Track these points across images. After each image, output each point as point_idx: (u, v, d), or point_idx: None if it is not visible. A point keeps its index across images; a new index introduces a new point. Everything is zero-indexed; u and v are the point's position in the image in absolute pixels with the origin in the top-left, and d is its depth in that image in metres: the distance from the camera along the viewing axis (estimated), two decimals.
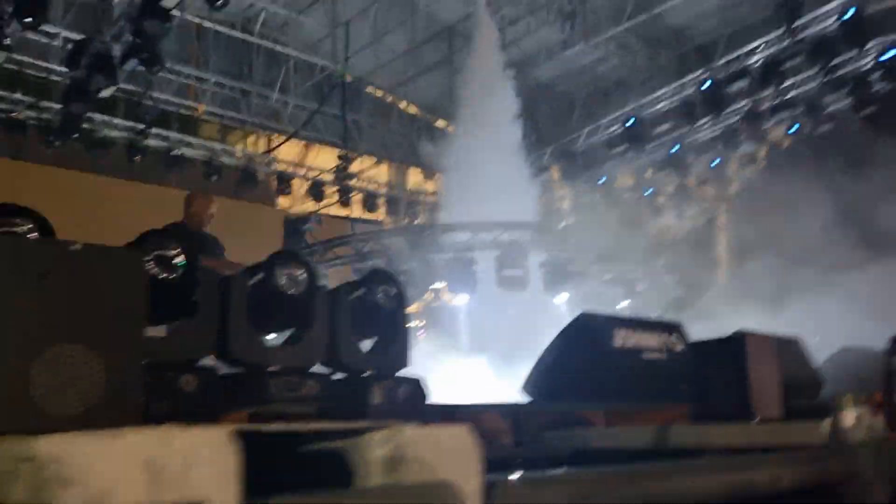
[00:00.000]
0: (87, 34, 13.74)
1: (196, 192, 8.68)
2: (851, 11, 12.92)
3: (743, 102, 15.47)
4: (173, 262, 3.72)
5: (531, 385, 5.05)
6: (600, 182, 17.80)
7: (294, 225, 14.07)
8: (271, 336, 4.38)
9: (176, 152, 16.72)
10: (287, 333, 4.43)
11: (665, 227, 19.37)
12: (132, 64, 12.93)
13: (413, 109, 20.82)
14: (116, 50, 13.03)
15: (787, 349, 5.99)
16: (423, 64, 19.09)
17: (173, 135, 16.82)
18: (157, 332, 4.09)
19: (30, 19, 11.48)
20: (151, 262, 3.65)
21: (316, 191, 18.58)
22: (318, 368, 4.48)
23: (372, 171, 20.57)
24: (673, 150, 16.68)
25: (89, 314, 2.18)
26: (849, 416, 1.99)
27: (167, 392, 3.53)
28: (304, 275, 4.22)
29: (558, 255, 12.20)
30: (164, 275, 3.68)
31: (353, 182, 19.33)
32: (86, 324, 2.17)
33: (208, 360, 4.09)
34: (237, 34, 17.47)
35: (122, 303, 2.31)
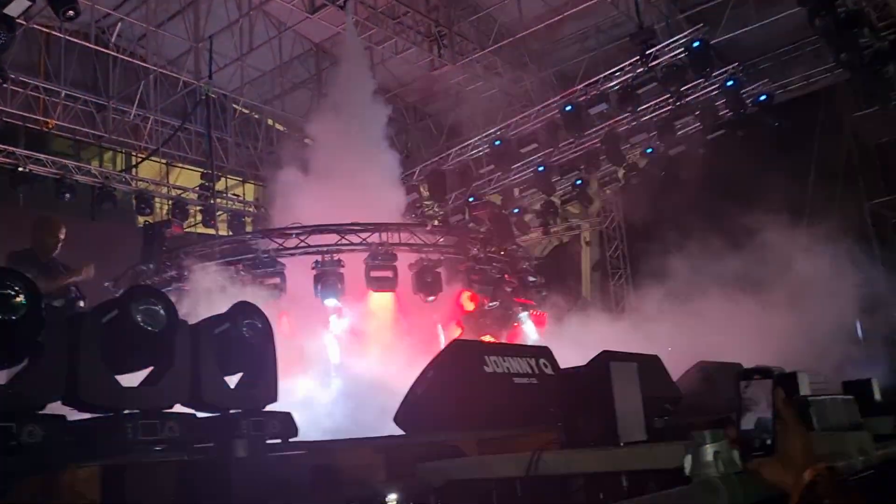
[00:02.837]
0: None
1: (43, 216, 8.14)
2: (697, 43, 13.77)
3: (603, 125, 16.17)
4: (13, 301, 3.44)
5: (403, 416, 5.01)
6: (471, 200, 18.07)
7: (153, 229, 13.39)
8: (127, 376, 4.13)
9: (23, 169, 15.57)
10: (146, 373, 4.19)
11: (533, 243, 19.96)
12: None
13: (280, 127, 20.44)
14: None
15: (648, 367, 6.28)
16: (290, 81, 18.82)
17: (20, 150, 15.66)
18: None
19: None
20: None
21: (179, 211, 17.80)
22: (181, 408, 4.27)
23: (238, 190, 20.01)
24: (539, 170, 17.18)
25: None
26: (708, 452, 2.06)
27: (8, 446, 3.23)
28: (163, 309, 4.01)
29: (428, 256, 12.30)
30: (3, 316, 3.39)
31: (218, 201, 18.69)
32: None
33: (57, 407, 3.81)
34: (91, 45, 16.53)
35: None
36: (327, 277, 11.51)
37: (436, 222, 17.26)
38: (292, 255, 11.89)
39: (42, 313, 3.52)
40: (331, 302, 11.43)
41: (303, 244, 11.89)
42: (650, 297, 12.80)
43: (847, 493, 1.86)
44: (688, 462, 2.14)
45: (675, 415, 6.26)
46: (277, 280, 11.53)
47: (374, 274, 11.79)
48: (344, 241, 11.93)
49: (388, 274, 11.82)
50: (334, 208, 12.06)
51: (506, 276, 13.49)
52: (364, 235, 11.98)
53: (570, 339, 10.35)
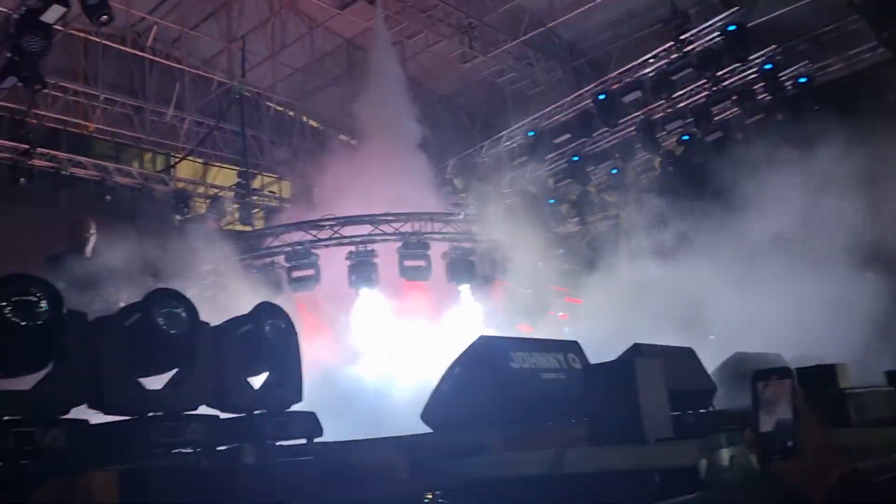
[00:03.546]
0: None
1: (76, 216, 8.33)
2: (733, 27, 13.47)
3: (637, 113, 15.92)
4: (35, 307, 3.48)
5: (430, 414, 4.98)
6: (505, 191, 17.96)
7: (188, 225, 13.68)
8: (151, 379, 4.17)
9: (65, 172, 15.89)
10: (169, 375, 4.23)
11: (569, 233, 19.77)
12: (10, 81, 12.22)
13: (314, 124, 20.54)
14: None
15: (680, 360, 6.16)
16: (323, 78, 18.88)
17: (62, 154, 15.99)
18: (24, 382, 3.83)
19: None
20: (10, 309, 3.41)
21: (216, 209, 18.01)
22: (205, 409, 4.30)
23: (274, 187, 20.16)
24: (573, 160, 17.01)
25: None
26: (723, 456, 1.98)
27: (31, 450, 3.28)
28: (185, 312, 4.04)
29: (461, 245, 12.30)
30: (25, 321, 3.44)
31: (254, 199, 18.87)
32: None
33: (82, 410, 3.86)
34: (127, 49, 16.79)
35: None
36: (361, 268, 11.60)
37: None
38: (326, 246, 11.99)
39: (64, 318, 3.57)
40: (365, 291, 11.52)
41: (336, 235, 11.98)
42: (688, 285, 12.55)
43: (873, 495, 1.78)
44: (703, 466, 2.06)
45: (710, 408, 6.13)
46: (312, 272, 11.65)
47: (407, 263, 11.85)
48: (377, 232, 12.00)
49: (422, 263, 11.87)
50: (368, 199, 12.14)
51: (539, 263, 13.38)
52: (397, 225, 12.04)
53: (606, 328, 10.21)
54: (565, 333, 12.27)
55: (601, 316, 12.50)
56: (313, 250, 11.94)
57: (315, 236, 12.13)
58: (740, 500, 1.96)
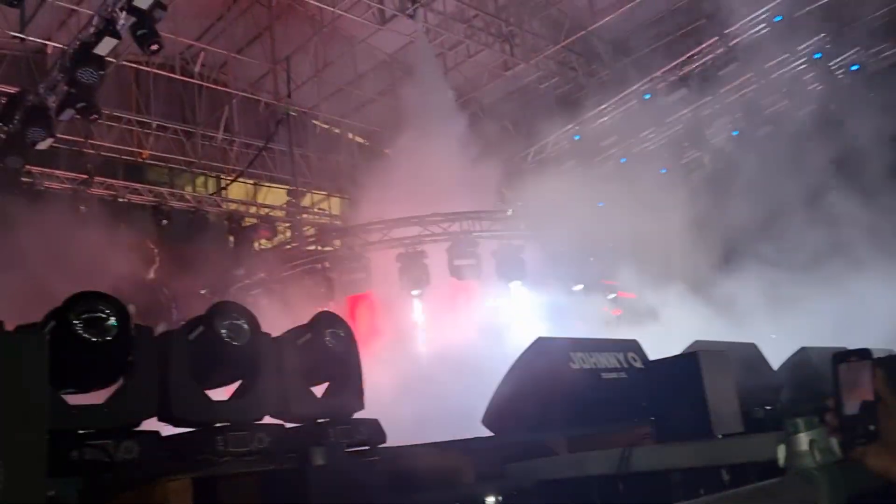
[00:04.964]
0: (20, 87, 13.42)
1: (138, 242, 8.57)
2: (779, 17, 13.23)
3: (684, 111, 15.72)
4: (105, 323, 3.58)
5: (491, 417, 4.96)
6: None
7: (242, 235, 14.05)
8: (217, 390, 4.24)
9: (122, 199, 16.36)
10: (234, 386, 4.30)
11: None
12: (68, 114, 12.66)
13: (360, 140, 20.76)
14: (52, 101, 12.76)
15: (744, 356, 6.02)
16: (367, 94, 19.08)
17: (118, 182, 16.47)
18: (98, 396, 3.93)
19: None
20: (81, 325, 3.51)
21: (268, 228, 18.31)
22: (269, 419, 4.36)
23: (324, 205, 20.42)
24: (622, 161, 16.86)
25: None
26: (803, 441, 1.93)
27: (107, 462, 3.36)
28: (246, 324, 4.10)
29: (510, 242, 12.33)
30: (96, 338, 3.54)
31: (305, 216, 19.13)
32: None
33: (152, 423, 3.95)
34: (177, 76, 17.23)
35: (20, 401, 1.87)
36: (412, 269, 11.74)
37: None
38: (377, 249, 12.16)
39: (132, 333, 3.66)
40: (416, 292, 11.64)
41: (386, 238, 12.14)
42: (746, 283, 12.32)
43: None
44: (781, 452, 2.00)
45: (776, 404, 5.98)
46: (363, 274, 11.80)
47: (457, 262, 11.92)
48: (426, 233, 12.12)
49: (471, 262, 11.93)
50: (417, 207, 12.27)
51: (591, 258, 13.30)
52: (445, 226, 12.13)
53: (663, 328, 10.07)
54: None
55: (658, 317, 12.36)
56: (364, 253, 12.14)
57: (365, 239, 12.31)
58: (823, 486, 1.90)
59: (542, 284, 12.63)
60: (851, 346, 1.97)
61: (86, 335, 3.47)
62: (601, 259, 13.50)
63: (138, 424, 3.61)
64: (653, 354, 5.32)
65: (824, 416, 1.94)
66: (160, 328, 7.14)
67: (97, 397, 3.72)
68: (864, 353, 1.88)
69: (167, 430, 3.86)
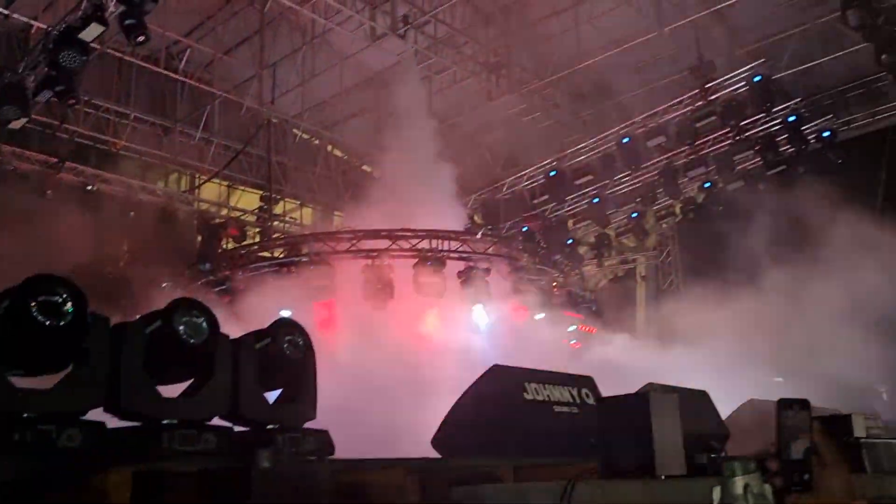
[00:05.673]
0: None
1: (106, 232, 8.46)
2: (758, 77, 13.58)
3: (660, 158, 15.99)
4: (61, 307, 3.54)
5: (441, 440, 4.97)
6: (524, 229, 18.01)
7: (210, 230, 13.96)
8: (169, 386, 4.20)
9: (91, 188, 16.13)
10: (186, 384, 4.27)
11: (588, 276, 19.75)
12: (45, 95, 12.49)
13: (339, 153, 20.77)
14: (31, 81, 12.59)
15: (694, 402, 6.11)
16: (350, 109, 19.12)
17: (89, 170, 16.25)
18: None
19: None
20: (36, 308, 3.47)
21: (239, 233, 18.17)
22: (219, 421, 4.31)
23: (296, 214, 20.34)
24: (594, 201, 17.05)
25: None
26: (738, 485, 1.98)
27: (48, 448, 3.32)
28: (206, 322, 4.08)
29: (476, 265, 12.41)
30: (50, 321, 3.50)
31: (276, 224, 19.03)
32: None
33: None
34: (160, 70, 17.11)
35: None
36: (376, 281, 11.78)
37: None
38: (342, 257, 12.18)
39: (88, 321, 3.62)
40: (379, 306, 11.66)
41: (353, 249, 12.16)
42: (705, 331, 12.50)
43: None
44: (716, 494, 2.05)
45: (721, 452, 6.06)
46: (327, 282, 11.79)
47: (422, 279, 11.97)
48: (394, 247, 12.17)
49: (436, 280, 11.99)
50: (388, 222, 12.34)
51: (555, 288, 13.43)
52: (414, 241, 12.20)
53: (619, 369, 10.18)
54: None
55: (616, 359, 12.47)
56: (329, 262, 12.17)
57: (333, 248, 12.31)
58: None
59: (505, 309, 12.73)
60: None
61: (40, 318, 3.43)
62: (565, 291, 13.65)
63: (84, 413, 3.57)
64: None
65: (766, 461, 2.00)
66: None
67: (46, 383, 3.67)
68: (804, 404, 1.95)
69: (114, 422, 3.82)
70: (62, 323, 3.50)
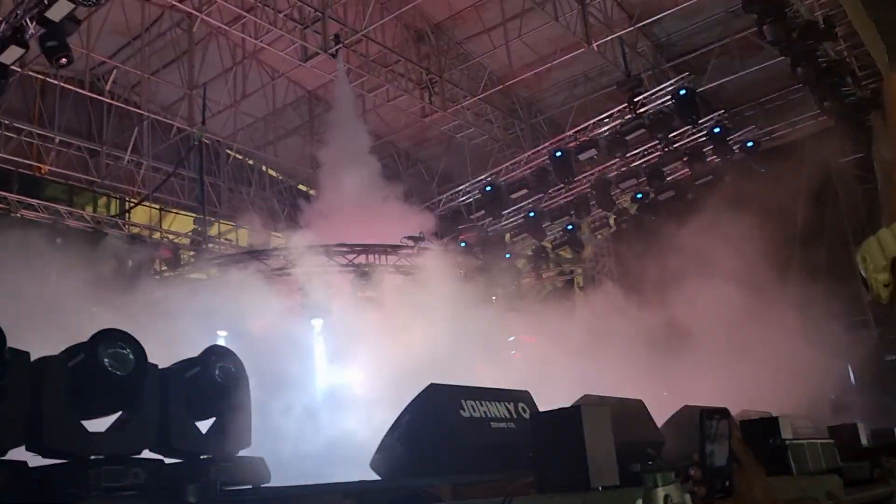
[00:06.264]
0: None
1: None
2: (683, 91, 13.99)
3: (592, 171, 16.29)
4: None
5: (379, 461, 4.94)
6: (462, 245, 18.09)
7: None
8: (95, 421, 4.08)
9: (16, 214, 15.59)
10: (113, 417, 4.15)
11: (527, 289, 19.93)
12: None
13: (273, 173, 20.57)
14: None
15: (629, 412, 6.23)
16: (283, 128, 19.00)
17: (12, 196, 15.71)
18: None
19: None
20: None
21: (172, 255, 17.78)
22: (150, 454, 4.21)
23: (231, 235, 20.03)
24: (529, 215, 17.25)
25: None
26: (658, 495, 2.04)
27: None
28: (132, 353, 3.98)
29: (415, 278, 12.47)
30: None
31: (210, 246, 18.69)
32: None
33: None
34: (86, 92, 16.69)
35: None
36: (313, 298, 11.75)
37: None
38: (279, 275, 12.06)
39: (5, 357, 3.50)
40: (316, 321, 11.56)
41: (289, 266, 12.07)
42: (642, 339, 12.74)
43: None
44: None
45: (657, 460, 6.18)
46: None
47: (360, 294, 11.99)
48: (331, 263, 12.16)
49: (374, 294, 12.02)
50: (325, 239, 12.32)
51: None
52: (351, 257, 12.20)
53: (557, 379, 10.28)
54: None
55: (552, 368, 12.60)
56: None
57: (269, 266, 12.19)
58: None
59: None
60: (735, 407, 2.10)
61: None
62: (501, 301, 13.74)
63: (3, 454, 3.44)
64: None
65: (691, 470, 2.05)
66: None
67: None
68: (724, 413, 2.01)
69: (37, 461, 3.68)
70: None
